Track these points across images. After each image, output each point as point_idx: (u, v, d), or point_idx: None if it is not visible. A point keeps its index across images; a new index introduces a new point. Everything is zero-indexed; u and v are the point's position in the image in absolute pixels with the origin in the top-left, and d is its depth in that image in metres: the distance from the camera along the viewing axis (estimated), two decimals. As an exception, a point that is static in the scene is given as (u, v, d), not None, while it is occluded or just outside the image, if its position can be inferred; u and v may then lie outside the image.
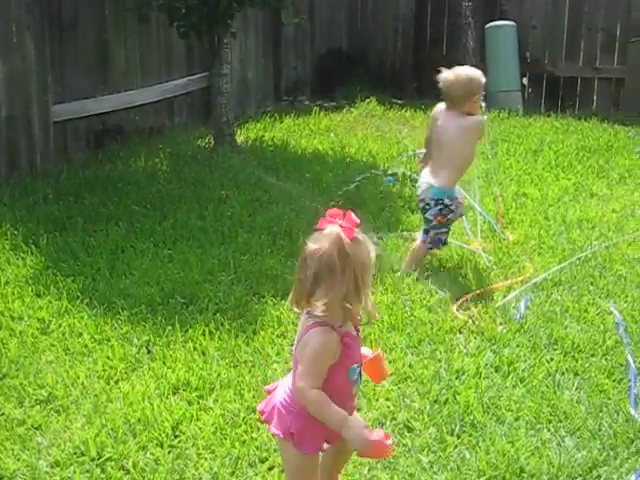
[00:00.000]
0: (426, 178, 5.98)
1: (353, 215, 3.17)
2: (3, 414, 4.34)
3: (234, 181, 7.98)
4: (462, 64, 6.17)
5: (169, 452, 4.02)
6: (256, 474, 3.90)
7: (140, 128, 9.49)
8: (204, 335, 5.07)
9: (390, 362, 4.75)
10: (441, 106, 6.00)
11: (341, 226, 3.12)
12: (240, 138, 9.70)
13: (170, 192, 7.62)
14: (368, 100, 12.05)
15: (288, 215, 7.09)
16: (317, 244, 3.12)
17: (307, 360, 3.15)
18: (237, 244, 6.48)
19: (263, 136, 10.03)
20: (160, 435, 4.12)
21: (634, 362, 4.85)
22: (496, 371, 4.79)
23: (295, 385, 3.19)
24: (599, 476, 3.89)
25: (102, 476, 3.87)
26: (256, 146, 9.58)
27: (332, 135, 10.29)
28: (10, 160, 7.98)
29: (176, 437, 4.13)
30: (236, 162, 8.58)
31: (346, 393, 3.29)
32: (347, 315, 3.17)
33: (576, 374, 4.77)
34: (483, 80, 5.90)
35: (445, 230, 6.06)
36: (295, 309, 3.26)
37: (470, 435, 4.17)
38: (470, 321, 5.33)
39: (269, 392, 3.45)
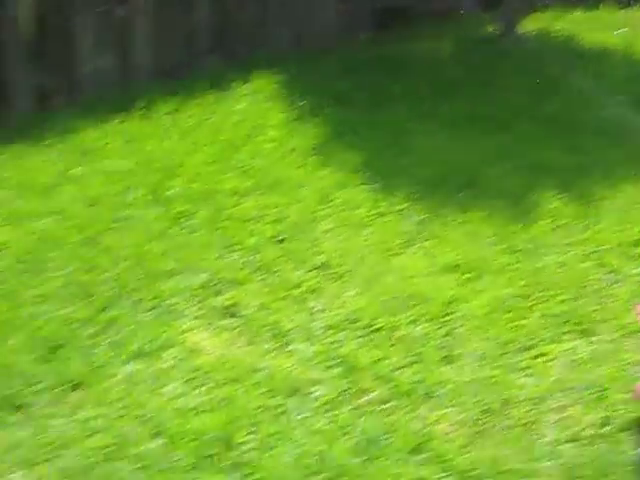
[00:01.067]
0: None
1: None
2: (280, 276, 4.50)
3: (519, 70, 7.80)
4: None
5: (439, 328, 4.07)
6: (521, 360, 3.90)
7: (425, 10, 9.38)
8: (480, 219, 5.05)
9: None
10: None
11: None
12: (527, 28, 9.42)
13: (453, 75, 7.54)
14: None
15: (571, 108, 6.89)
16: None
17: None
18: (517, 133, 6.37)
19: (550, 27, 9.70)
20: (431, 311, 4.17)
21: None
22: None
23: None
24: None
25: (371, 344, 3.96)
26: (542, 36, 9.28)
27: (619, 31, 9.79)
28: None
29: (447, 315, 4.17)
30: (522, 51, 8.36)
31: None
32: None
33: None
34: None
35: None
36: None
37: None
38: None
39: None
